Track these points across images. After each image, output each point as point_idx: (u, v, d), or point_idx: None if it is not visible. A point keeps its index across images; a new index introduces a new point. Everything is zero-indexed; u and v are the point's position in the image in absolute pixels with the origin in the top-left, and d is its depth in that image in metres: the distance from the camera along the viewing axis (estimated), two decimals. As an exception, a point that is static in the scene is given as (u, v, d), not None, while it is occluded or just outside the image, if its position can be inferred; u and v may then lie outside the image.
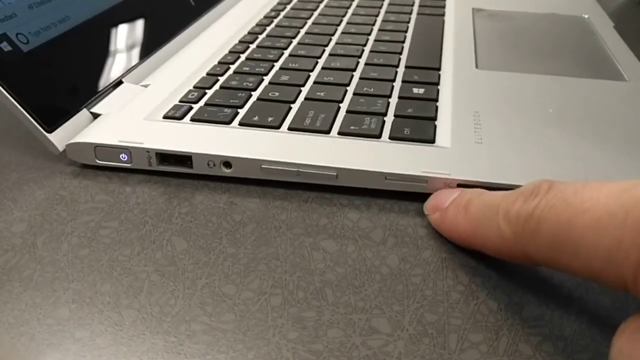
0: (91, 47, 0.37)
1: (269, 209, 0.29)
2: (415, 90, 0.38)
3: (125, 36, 0.40)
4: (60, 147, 0.32)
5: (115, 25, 0.40)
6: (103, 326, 0.23)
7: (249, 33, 0.47)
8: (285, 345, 0.22)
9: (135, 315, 0.23)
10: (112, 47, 0.39)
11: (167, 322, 0.23)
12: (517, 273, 0.25)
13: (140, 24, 0.42)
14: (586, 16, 0.51)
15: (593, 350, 0.22)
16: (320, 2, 0.55)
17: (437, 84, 0.38)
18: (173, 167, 0.32)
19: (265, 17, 0.51)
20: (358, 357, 0.21)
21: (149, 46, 0.42)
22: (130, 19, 0.41)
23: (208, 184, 0.31)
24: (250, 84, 0.38)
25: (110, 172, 0.32)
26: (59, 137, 0.32)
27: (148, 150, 0.31)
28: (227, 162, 0.31)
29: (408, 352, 0.21)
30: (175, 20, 0.46)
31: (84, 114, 0.34)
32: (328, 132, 0.33)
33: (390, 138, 0.32)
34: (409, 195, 0.30)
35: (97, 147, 0.32)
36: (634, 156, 0.30)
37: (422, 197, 0.30)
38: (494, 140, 0.32)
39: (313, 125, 0.33)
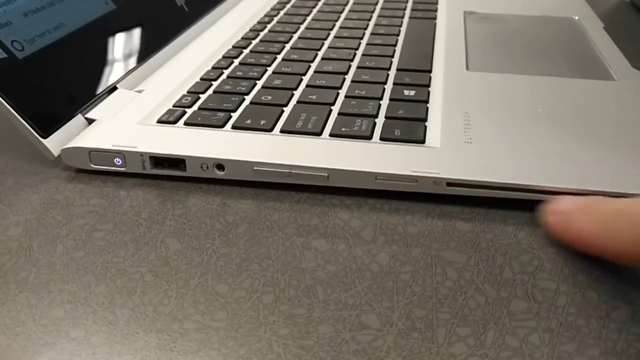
0: (85, 53, 0.38)
1: (262, 210, 0.30)
2: (406, 92, 0.38)
3: (119, 43, 0.41)
4: (56, 153, 0.32)
5: (109, 32, 0.40)
6: (97, 325, 0.23)
7: (243, 38, 0.48)
8: (277, 341, 0.22)
9: (129, 314, 0.24)
10: (106, 54, 0.39)
11: (161, 320, 0.23)
12: (506, 269, 0.26)
13: (134, 30, 0.43)
14: (576, 18, 0.52)
15: (579, 342, 0.22)
16: (313, 7, 0.56)
17: (428, 85, 0.39)
18: (167, 170, 0.32)
19: (258, 22, 0.52)
20: (347, 352, 0.22)
21: (143, 52, 0.42)
22: (124, 25, 0.42)
23: (201, 186, 0.32)
24: (244, 88, 0.38)
25: (104, 176, 0.33)
26: (54, 143, 0.33)
27: (142, 154, 0.32)
28: (220, 165, 0.31)
29: (397, 346, 0.22)
30: (169, 27, 0.46)
31: (78, 119, 0.35)
32: (319, 134, 0.33)
33: (381, 139, 0.33)
34: (400, 194, 0.31)
35: (91, 151, 0.32)
36: (622, 154, 0.31)
37: (412, 196, 0.30)
38: (483, 140, 0.32)
39: (305, 127, 0.33)
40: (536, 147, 0.31)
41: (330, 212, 0.30)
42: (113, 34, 0.41)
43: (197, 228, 0.29)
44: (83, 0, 0.39)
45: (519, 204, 0.30)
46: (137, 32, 0.43)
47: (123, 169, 0.32)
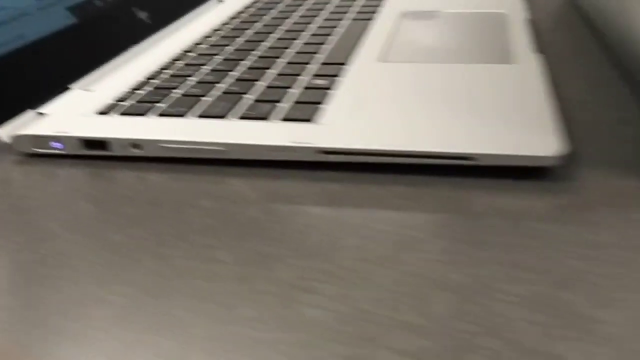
0: (42, 59, 0.44)
1: (168, 180, 0.35)
2: (317, 81, 0.43)
3: (77, 50, 0.47)
4: (8, 140, 0.39)
5: (68, 42, 0.47)
6: None
7: (194, 44, 0.54)
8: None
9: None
10: (62, 60, 0.46)
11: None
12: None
13: (92, 40, 0.49)
14: (504, 12, 0.56)
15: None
16: (264, 15, 0.62)
17: (339, 75, 0.44)
18: (97, 150, 0.38)
19: (213, 29, 0.58)
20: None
21: (99, 59, 0.49)
22: (83, 36, 0.48)
23: (125, 163, 0.38)
24: (176, 84, 0.44)
25: (48, 158, 0.39)
26: (7, 131, 0.39)
27: (75, 138, 0.38)
28: (136, 144, 0.37)
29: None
30: (128, 37, 0.53)
31: (31, 113, 0.41)
32: (226, 116, 0.39)
33: (282, 120, 0.38)
34: (291, 164, 0.36)
35: (35, 137, 0.38)
36: (492, 123, 0.35)
37: (294, 164, 0.35)
38: (365, 117, 0.37)
39: (213, 111, 0.39)
40: (410, 119, 0.36)
41: (225, 180, 0.35)
42: (71, 43, 0.47)
43: (111, 195, 0.34)
44: (45, 15, 0.46)
45: (389, 167, 0.35)
46: (95, 42, 0.49)
47: (63, 151, 0.39)
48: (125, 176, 0.36)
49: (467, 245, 0.28)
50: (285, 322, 0.25)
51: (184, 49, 0.53)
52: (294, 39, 0.53)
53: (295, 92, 0.42)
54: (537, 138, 0.33)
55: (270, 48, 0.52)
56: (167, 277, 0.27)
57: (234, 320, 0.25)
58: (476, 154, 0.33)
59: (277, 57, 0.49)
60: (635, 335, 0.23)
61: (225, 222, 0.31)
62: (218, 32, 0.57)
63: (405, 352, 0.23)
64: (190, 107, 0.40)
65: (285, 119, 0.38)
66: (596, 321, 0.24)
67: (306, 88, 0.43)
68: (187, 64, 0.49)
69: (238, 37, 0.55)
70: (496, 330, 0.23)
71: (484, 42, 0.49)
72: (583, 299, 0.25)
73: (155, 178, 0.36)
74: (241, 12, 0.64)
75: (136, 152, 0.37)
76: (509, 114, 0.36)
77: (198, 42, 0.55)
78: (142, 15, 0.55)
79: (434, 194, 0.33)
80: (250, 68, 0.47)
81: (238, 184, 0.35)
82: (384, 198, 0.32)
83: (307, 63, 0.47)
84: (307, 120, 0.38)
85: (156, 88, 0.45)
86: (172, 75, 0.47)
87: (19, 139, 0.39)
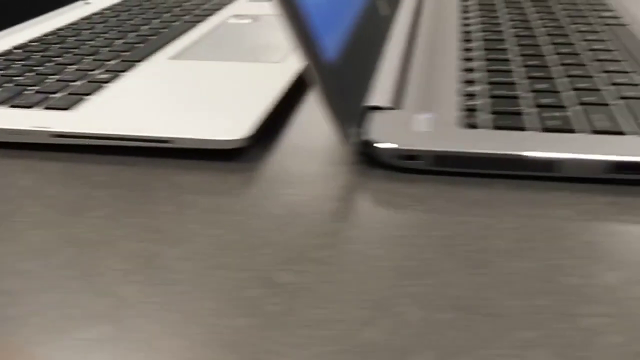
0: None
1: None
2: (103, 76, 0.49)
3: None
4: None
5: None
6: None
7: (28, 42, 0.60)
8: None
9: None
10: None
11: None
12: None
13: None
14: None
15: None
16: (113, 17, 0.67)
17: (124, 71, 0.50)
18: None
19: (57, 29, 0.64)
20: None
21: None
22: None
23: None
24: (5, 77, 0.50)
25: None
26: None
27: None
28: None
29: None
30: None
31: None
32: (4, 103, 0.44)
33: (45, 108, 0.44)
34: (42, 146, 0.41)
35: None
36: (200, 112, 0.41)
37: (34, 146, 0.41)
38: (113, 107, 0.42)
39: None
40: (145, 107, 0.41)
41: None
42: None
43: None
44: None
45: (112, 149, 0.40)
46: None
47: None
48: None
49: (130, 215, 0.34)
50: None
51: (15, 46, 0.59)
52: (120, 38, 0.59)
53: (77, 85, 0.48)
54: (228, 125, 0.39)
55: (91, 47, 0.57)
56: None
57: None
58: (171, 138, 0.38)
59: (90, 55, 0.55)
60: (201, 272, 0.28)
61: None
62: (60, 31, 0.63)
63: (9, 291, 0.28)
64: (8, 98, 0.46)
65: (48, 108, 0.44)
66: (170, 271, 0.29)
67: (89, 82, 0.48)
68: (6, 59, 0.55)
69: (73, 36, 0.61)
70: (88, 276, 0.29)
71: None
72: (172, 249, 0.30)
73: None
74: (96, 13, 0.69)
75: None
76: (225, 105, 0.42)
77: (34, 40, 0.60)
78: (-12, 15, 0.61)
79: (129, 171, 0.38)
80: (57, 64, 0.53)
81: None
82: (85, 174, 0.38)
83: (109, 60, 0.53)
84: (65, 109, 0.43)
85: (-33, 80, 0.50)
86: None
87: None
